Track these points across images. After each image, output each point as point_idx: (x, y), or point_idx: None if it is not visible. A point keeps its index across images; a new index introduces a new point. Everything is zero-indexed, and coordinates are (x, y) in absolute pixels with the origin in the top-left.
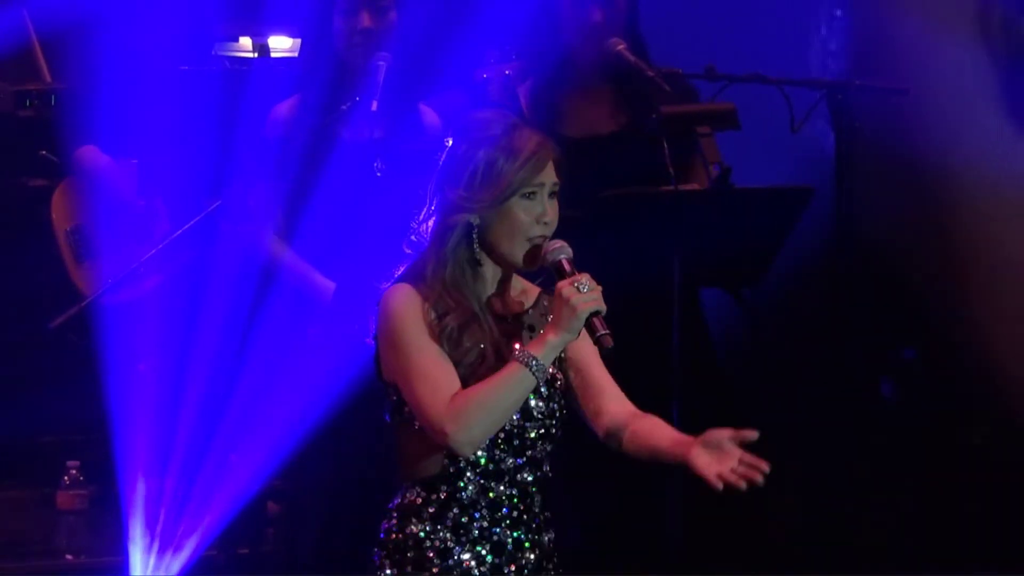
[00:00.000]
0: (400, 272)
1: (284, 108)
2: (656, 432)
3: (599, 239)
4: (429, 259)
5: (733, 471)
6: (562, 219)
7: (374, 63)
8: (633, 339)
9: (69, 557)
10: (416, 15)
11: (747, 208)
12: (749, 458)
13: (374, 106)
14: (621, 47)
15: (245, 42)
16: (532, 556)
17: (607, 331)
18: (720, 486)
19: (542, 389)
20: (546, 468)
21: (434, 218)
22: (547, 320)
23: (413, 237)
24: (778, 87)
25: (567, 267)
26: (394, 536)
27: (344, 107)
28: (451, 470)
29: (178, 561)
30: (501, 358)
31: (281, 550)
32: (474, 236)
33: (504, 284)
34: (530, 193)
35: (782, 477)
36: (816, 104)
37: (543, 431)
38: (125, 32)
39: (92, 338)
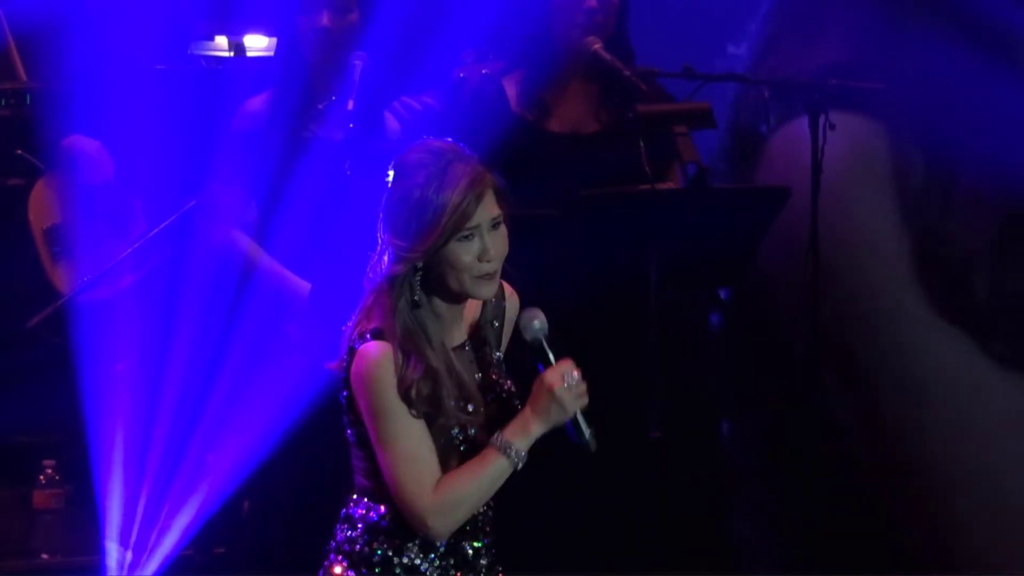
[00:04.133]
0: (361, 314)
1: (255, 103)
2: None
3: (575, 238)
4: (384, 308)
5: None
6: (539, 217)
7: (351, 62)
8: (609, 339)
9: (45, 556)
10: (393, 13)
11: (723, 208)
12: None
13: (350, 105)
14: (597, 46)
15: (221, 41)
16: (485, 561)
17: (591, 428)
18: None
19: (503, 396)
20: None
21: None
22: (493, 326)
23: (370, 274)
24: (756, 86)
25: (547, 349)
26: (359, 548)
27: (320, 106)
28: None
29: (155, 560)
30: (476, 407)
31: (253, 549)
32: (416, 285)
33: (461, 311)
34: (466, 236)
35: (757, 478)
36: (795, 103)
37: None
38: (101, 31)
39: (68, 337)
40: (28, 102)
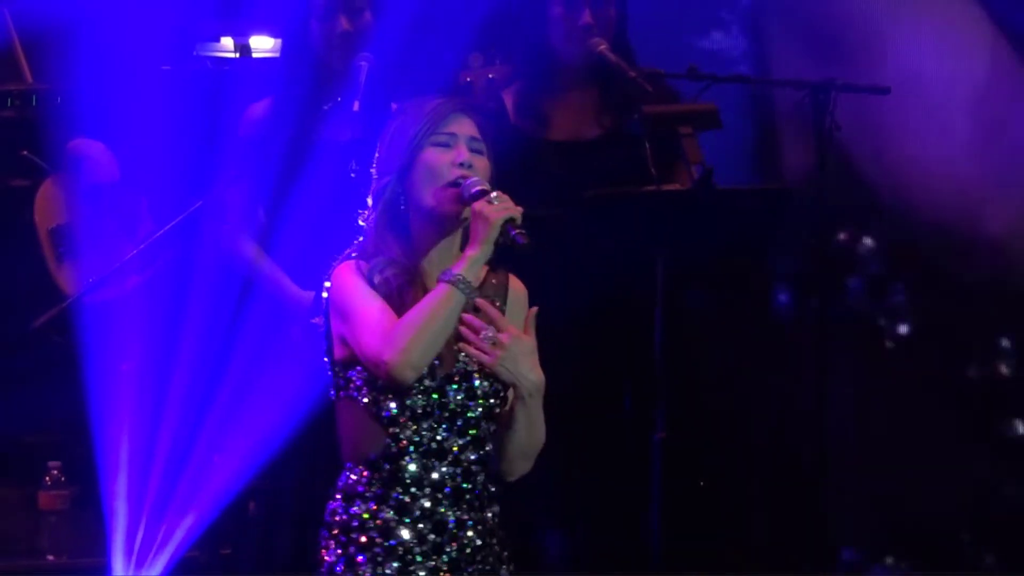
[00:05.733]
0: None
1: (259, 108)
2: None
3: (582, 239)
4: (369, 231)
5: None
6: (545, 219)
7: (356, 63)
8: (615, 340)
9: (51, 557)
10: (398, 16)
11: (729, 209)
12: None
13: (356, 106)
14: (603, 47)
15: (227, 42)
16: (473, 534)
17: (522, 231)
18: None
19: (485, 369)
20: (489, 447)
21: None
22: (494, 304)
23: (361, 221)
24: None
25: (486, 190)
26: (338, 518)
27: (326, 107)
28: (393, 449)
29: (160, 561)
30: None
31: (259, 550)
32: (400, 194)
33: (448, 251)
34: (443, 142)
35: (764, 476)
36: (799, 103)
37: (486, 410)
38: (106, 32)
39: (74, 338)
40: (34, 103)
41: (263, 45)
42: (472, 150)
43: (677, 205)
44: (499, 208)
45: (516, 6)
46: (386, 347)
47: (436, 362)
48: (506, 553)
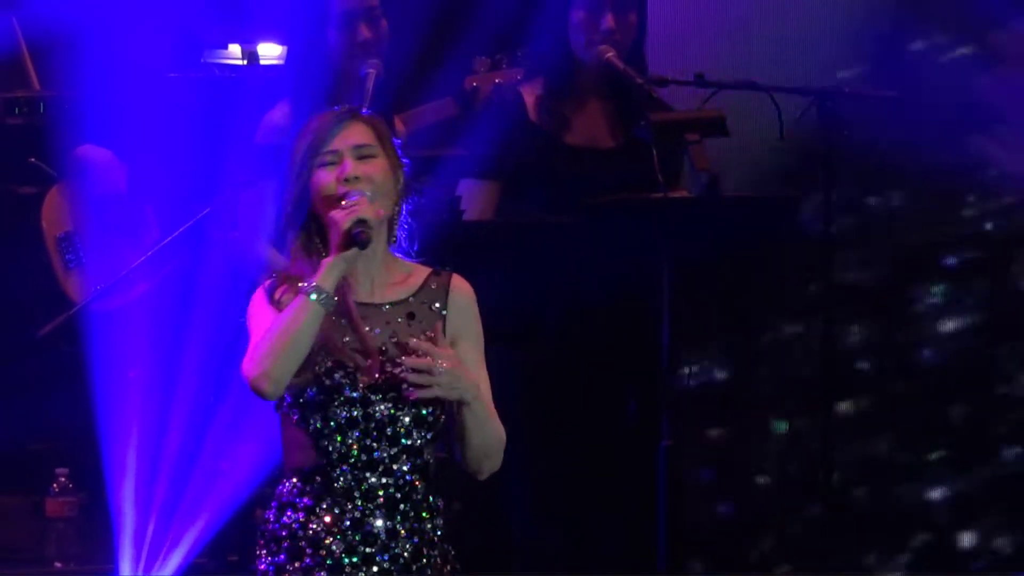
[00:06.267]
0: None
1: (277, 114)
2: None
3: (588, 245)
4: (293, 255)
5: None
6: (552, 225)
7: (363, 70)
8: (621, 347)
9: (59, 565)
10: (406, 22)
11: (735, 215)
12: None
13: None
14: (610, 54)
15: (234, 49)
16: (409, 545)
17: (362, 229)
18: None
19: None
20: (427, 456)
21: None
22: (432, 309)
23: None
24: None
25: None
26: (271, 526)
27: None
28: (323, 461)
29: (168, 568)
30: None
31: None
32: (303, 222)
33: (372, 259)
34: (328, 162)
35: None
36: (806, 111)
37: (416, 419)
38: (114, 39)
39: (81, 345)
40: (42, 110)
41: (271, 52)
42: (360, 157)
43: (683, 212)
44: (346, 211)
45: (537, 11)
46: (247, 362)
47: (357, 373)
48: (449, 567)
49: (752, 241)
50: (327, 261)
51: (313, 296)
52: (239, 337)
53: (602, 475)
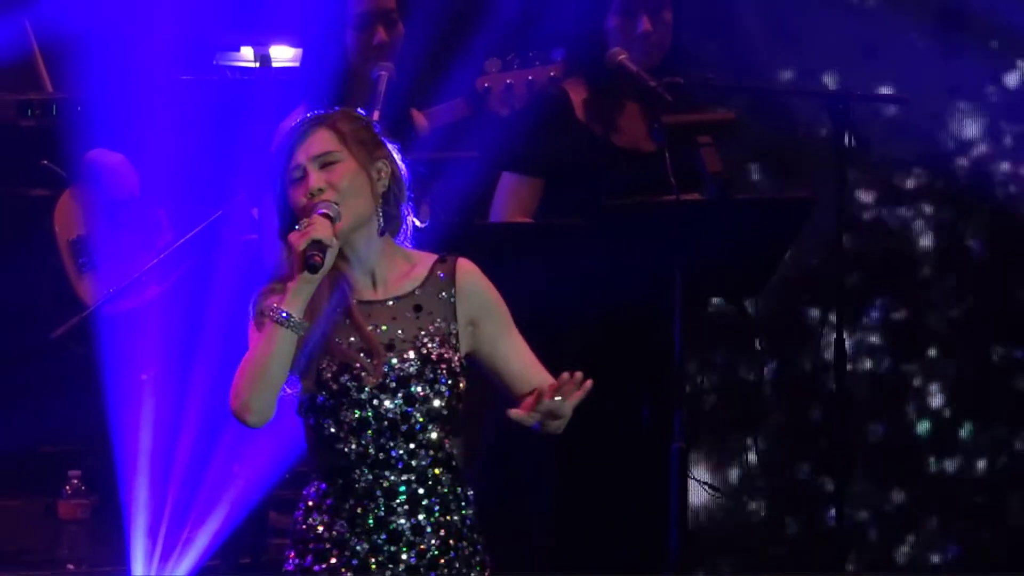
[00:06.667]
0: None
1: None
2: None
3: (601, 248)
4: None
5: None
6: (565, 228)
7: (375, 72)
8: (634, 349)
9: (71, 567)
10: (419, 24)
11: (747, 218)
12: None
13: (376, 116)
14: (622, 57)
15: (246, 52)
16: (436, 540)
17: (315, 252)
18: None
19: (426, 372)
20: (449, 448)
21: None
22: (440, 298)
23: None
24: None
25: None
26: (298, 528)
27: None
28: (342, 463)
29: (180, 570)
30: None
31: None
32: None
33: (366, 259)
34: (296, 178)
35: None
36: (818, 114)
37: (430, 413)
38: (127, 41)
39: (94, 348)
40: (54, 113)
41: (283, 55)
42: (323, 166)
43: (696, 215)
44: (299, 234)
45: (572, 19)
46: (231, 391)
47: (363, 373)
48: (478, 558)
49: (767, 243)
50: (291, 285)
51: (281, 323)
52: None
53: (616, 478)
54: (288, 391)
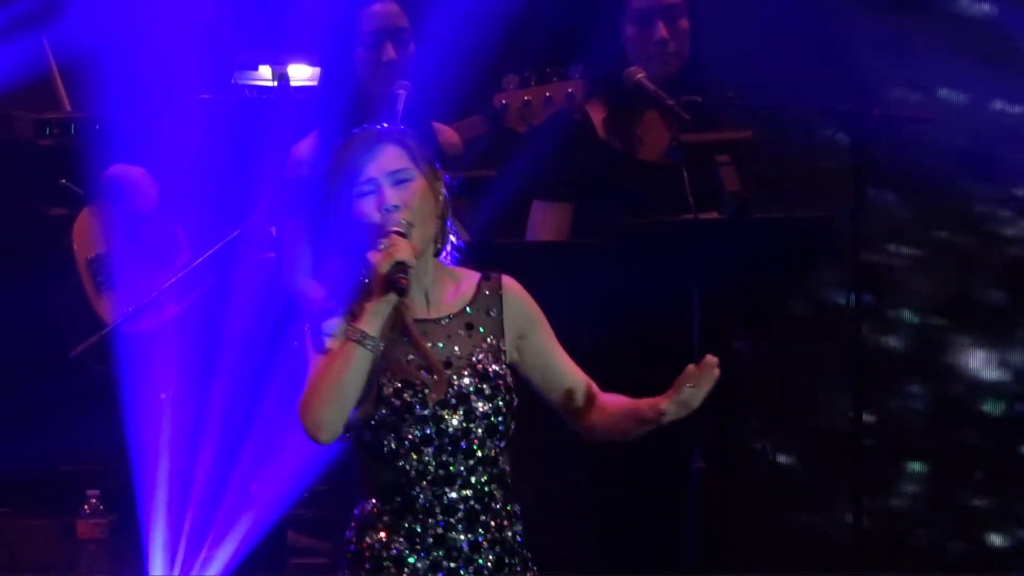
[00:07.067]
0: None
1: (303, 148)
2: (623, 399)
3: (619, 267)
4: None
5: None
6: (582, 247)
7: (394, 91)
8: (652, 368)
9: None
10: (434, 40)
11: (765, 237)
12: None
13: None
14: (640, 76)
15: (265, 71)
16: (492, 556)
17: (401, 275)
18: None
19: (484, 388)
20: (503, 464)
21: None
22: (489, 315)
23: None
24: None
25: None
26: (353, 547)
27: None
28: (401, 480)
29: None
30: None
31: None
32: (343, 250)
33: (420, 287)
34: (365, 192)
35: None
36: (835, 131)
37: (488, 430)
38: (144, 60)
39: (113, 366)
40: (73, 132)
41: (301, 74)
42: (396, 183)
43: (714, 235)
44: (382, 255)
45: (588, 30)
46: (302, 409)
47: (426, 390)
48: (529, 574)
49: (786, 262)
50: (369, 305)
51: (359, 342)
52: (270, 358)
53: (636, 497)
54: None
